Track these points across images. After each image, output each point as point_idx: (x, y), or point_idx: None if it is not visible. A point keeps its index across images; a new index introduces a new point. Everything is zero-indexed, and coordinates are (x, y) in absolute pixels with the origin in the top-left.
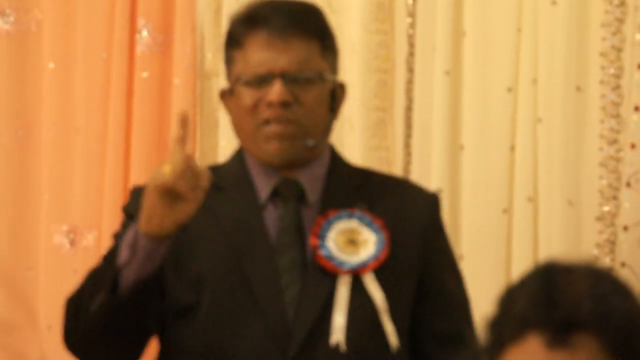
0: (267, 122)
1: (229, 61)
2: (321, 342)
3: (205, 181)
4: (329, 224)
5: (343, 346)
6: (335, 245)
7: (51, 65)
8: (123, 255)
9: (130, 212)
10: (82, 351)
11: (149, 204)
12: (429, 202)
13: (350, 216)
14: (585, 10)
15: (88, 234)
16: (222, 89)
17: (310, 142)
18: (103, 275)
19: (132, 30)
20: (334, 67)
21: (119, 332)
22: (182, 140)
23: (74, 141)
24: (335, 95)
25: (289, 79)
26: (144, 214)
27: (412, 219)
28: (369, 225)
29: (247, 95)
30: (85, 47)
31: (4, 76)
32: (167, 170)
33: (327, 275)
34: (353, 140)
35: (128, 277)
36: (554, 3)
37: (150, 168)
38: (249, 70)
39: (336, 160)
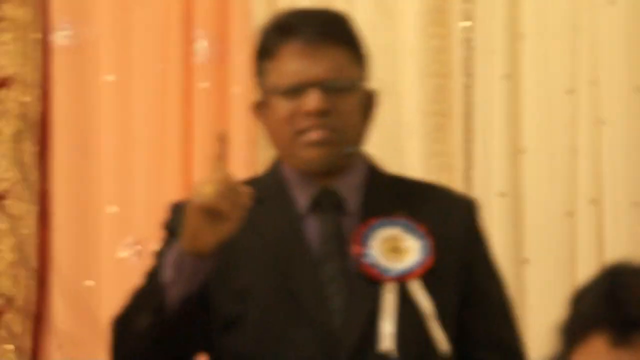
0: (305, 131)
1: (261, 73)
2: (370, 350)
3: (245, 199)
4: (371, 231)
5: (394, 353)
6: (379, 252)
7: (109, 77)
8: (168, 274)
9: (171, 228)
10: (119, 348)
11: (191, 223)
12: (468, 208)
13: (392, 223)
14: None
15: (153, 245)
16: (253, 102)
17: (349, 149)
18: (149, 295)
19: (189, 41)
20: (365, 75)
21: (166, 350)
22: (222, 158)
23: (134, 153)
24: (369, 103)
25: (324, 87)
26: (187, 233)
27: (452, 225)
28: (412, 232)
29: (283, 106)
30: (143, 59)
31: (63, 90)
32: (208, 189)
33: (372, 283)
34: (412, 146)
35: (174, 295)
36: (612, 2)
37: None
38: (284, 81)
39: (374, 168)
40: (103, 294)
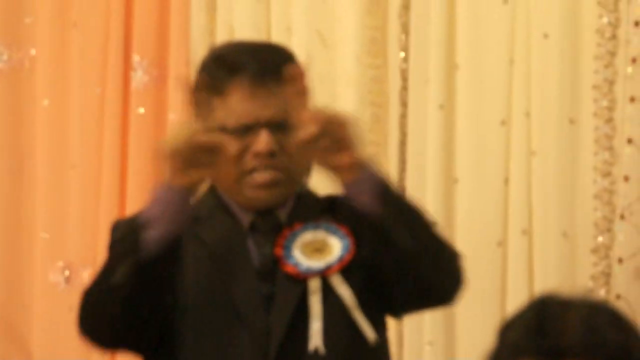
0: (252, 170)
1: (205, 107)
2: (301, 348)
3: (216, 151)
4: (295, 235)
5: (322, 350)
6: (302, 254)
7: (45, 102)
8: (147, 212)
9: (121, 230)
10: (96, 332)
11: (171, 159)
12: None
13: (316, 227)
14: (577, 43)
15: (83, 271)
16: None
17: (298, 189)
18: (126, 244)
19: (127, 66)
20: (308, 106)
21: (136, 308)
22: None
23: (68, 178)
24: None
25: (274, 127)
26: (166, 170)
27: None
28: (334, 233)
29: (231, 144)
30: (80, 83)
31: None
32: (180, 137)
33: (296, 282)
34: None
35: (153, 235)
36: (546, 36)
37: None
38: (233, 120)
39: (305, 188)
40: (34, 318)
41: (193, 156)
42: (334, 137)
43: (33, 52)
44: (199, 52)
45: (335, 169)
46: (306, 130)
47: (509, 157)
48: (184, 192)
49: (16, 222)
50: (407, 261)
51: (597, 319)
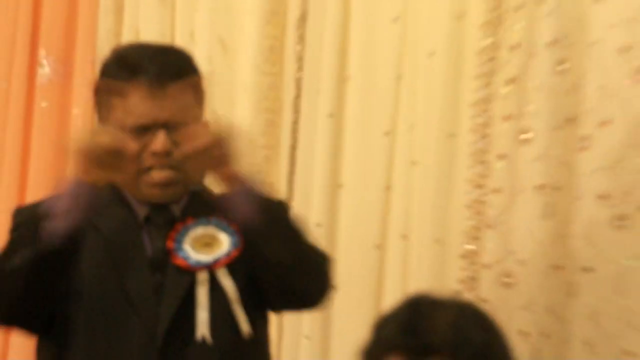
0: (149, 169)
1: (106, 106)
2: (188, 336)
3: (131, 154)
4: (186, 229)
5: (209, 339)
6: (192, 247)
7: None
8: (51, 203)
9: (20, 224)
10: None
11: (81, 157)
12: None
13: (207, 223)
14: (459, 63)
15: None
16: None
17: (192, 187)
18: (28, 232)
19: (33, 61)
20: (204, 109)
21: (30, 293)
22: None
23: None
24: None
25: (171, 128)
26: (75, 166)
27: None
28: (225, 229)
29: (130, 144)
30: None
31: None
32: (93, 138)
33: (185, 274)
34: None
35: (55, 227)
36: (431, 55)
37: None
38: (131, 120)
39: (201, 186)
40: None
41: (98, 157)
42: (220, 151)
43: None
44: (104, 52)
45: (218, 179)
46: (193, 143)
47: (392, 165)
48: (88, 188)
49: None
50: (276, 270)
51: (463, 319)
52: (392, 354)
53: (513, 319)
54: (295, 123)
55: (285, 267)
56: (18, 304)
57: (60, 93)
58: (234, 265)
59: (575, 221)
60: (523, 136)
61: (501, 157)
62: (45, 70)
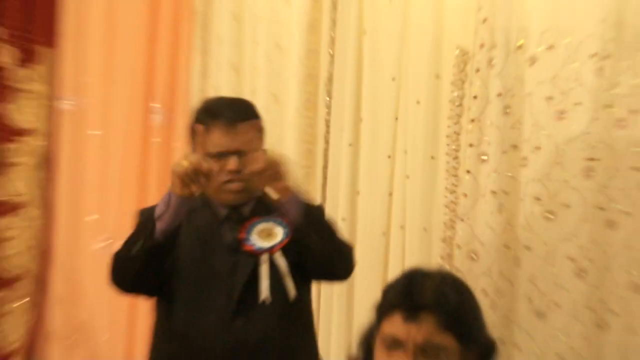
0: (227, 182)
1: (196, 140)
2: (253, 299)
3: (208, 174)
4: (253, 225)
5: (268, 300)
6: (257, 237)
7: (96, 132)
8: (159, 209)
9: (143, 215)
10: (120, 283)
11: (177, 177)
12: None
13: (267, 220)
14: (438, 108)
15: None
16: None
17: (257, 194)
18: (143, 229)
19: (147, 110)
20: (263, 141)
21: (147, 267)
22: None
23: (110, 180)
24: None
25: (240, 154)
26: (174, 184)
27: None
28: (279, 224)
29: (214, 166)
30: (118, 120)
31: (65, 139)
32: (185, 164)
33: (252, 256)
34: None
35: (160, 227)
36: (418, 103)
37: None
38: (213, 149)
39: (261, 197)
40: (87, 270)
41: (189, 176)
42: (272, 171)
43: (88, 98)
44: (196, 103)
45: (274, 189)
46: (255, 165)
47: (392, 178)
48: (182, 199)
49: (74, 208)
50: (315, 256)
51: (444, 285)
52: (394, 311)
53: (477, 283)
54: (326, 150)
55: (321, 254)
56: (137, 279)
57: (166, 132)
58: (285, 249)
59: (519, 215)
60: (482, 157)
61: (467, 172)
62: (156, 116)
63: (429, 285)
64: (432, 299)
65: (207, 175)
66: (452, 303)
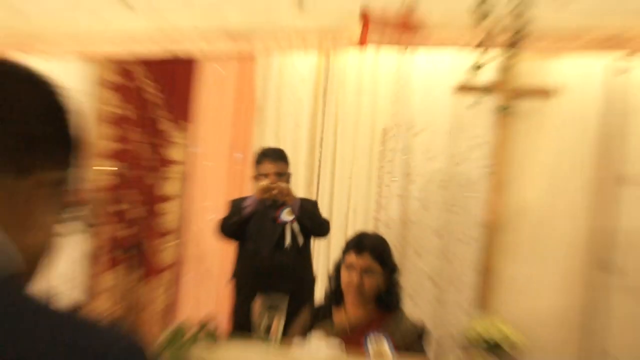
0: (269, 188)
1: (256, 167)
2: (281, 246)
3: (285, 190)
4: (283, 210)
5: (289, 245)
6: (285, 215)
7: (209, 164)
8: (246, 203)
9: (235, 205)
10: (224, 235)
11: (259, 189)
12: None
13: (289, 206)
14: (373, 159)
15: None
16: (253, 176)
17: (283, 199)
18: (238, 212)
19: (233, 152)
20: (289, 167)
21: (237, 229)
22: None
23: (218, 190)
24: (289, 177)
25: (278, 175)
26: (256, 192)
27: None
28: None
29: (263, 180)
30: (220, 158)
31: None
32: (264, 184)
33: (281, 225)
34: None
35: (245, 213)
36: (362, 156)
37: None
38: (264, 171)
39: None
40: (205, 231)
41: (265, 190)
42: (287, 190)
43: (203, 147)
44: (256, 150)
45: (285, 198)
46: (283, 186)
47: (350, 190)
48: (259, 200)
49: (199, 200)
50: (309, 227)
51: (374, 238)
52: (350, 251)
53: (389, 238)
54: (318, 178)
55: (312, 226)
56: (232, 234)
57: (242, 164)
58: (298, 221)
59: (410, 209)
60: (393, 179)
61: (387, 185)
62: (239, 155)
63: (367, 238)
64: (369, 245)
65: (269, 189)
66: (378, 247)
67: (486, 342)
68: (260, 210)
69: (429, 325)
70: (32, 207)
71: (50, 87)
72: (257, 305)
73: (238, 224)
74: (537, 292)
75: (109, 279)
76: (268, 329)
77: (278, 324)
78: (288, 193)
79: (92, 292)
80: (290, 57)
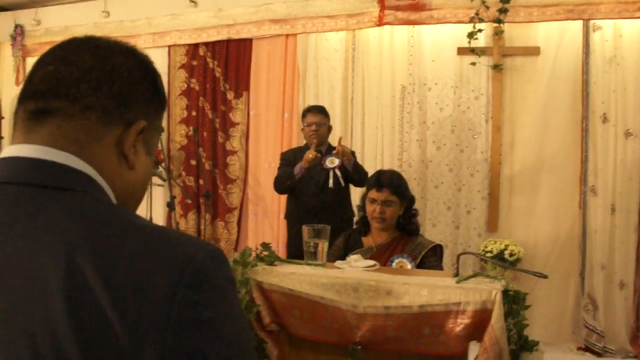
0: (313, 134)
1: (302, 118)
2: (326, 186)
3: (314, 159)
4: (326, 157)
5: (332, 187)
6: (329, 163)
7: (264, 123)
8: (296, 169)
9: (283, 159)
10: (280, 191)
11: (305, 159)
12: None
13: (332, 155)
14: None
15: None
16: (302, 128)
17: (325, 147)
18: (289, 175)
19: (284, 113)
20: (329, 120)
21: (290, 186)
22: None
23: (275, 141)
24: (330, 128)
25: (319, 125)
26: (304, 161)
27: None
28: (338, 158)
29: (307, 129)
30: (269, 113)
31: None
32: (312, 154)
33: (327, 171)
34: None
35: (297, 177)
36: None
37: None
38: (308, 122)
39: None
40: (261, 179)
41: (311, 159)
42: (348, 153)
43: (257, 110)
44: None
45: (344, 156)
46: (344, 149)
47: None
48: (306, 169)
49: (261, 155)
50: (352, 176)
51: (392, 174)
52: (372, 187)
53: (410, 176)
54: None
55: (354, 175)
56: (287, 191)
57: (289, 119)
58: (341, 169)
59: (430, 147)
60: (412, 127)
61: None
62: (286, 114)
63: (385, 175)
64: (386, 181)
65: (314, 159)
66: (395, 181)
67: (496, 256)
68: (312, 167)
69: (449, 244)
70: (137, 149)
71: (144, 57)
72: (305, 233)
73: (290, 187)
74: (535, 214)
75: (185, 222)
76: (315, 252)
77: (323, 248)
78: (349, 154)
79: None
80: (323, 35)
